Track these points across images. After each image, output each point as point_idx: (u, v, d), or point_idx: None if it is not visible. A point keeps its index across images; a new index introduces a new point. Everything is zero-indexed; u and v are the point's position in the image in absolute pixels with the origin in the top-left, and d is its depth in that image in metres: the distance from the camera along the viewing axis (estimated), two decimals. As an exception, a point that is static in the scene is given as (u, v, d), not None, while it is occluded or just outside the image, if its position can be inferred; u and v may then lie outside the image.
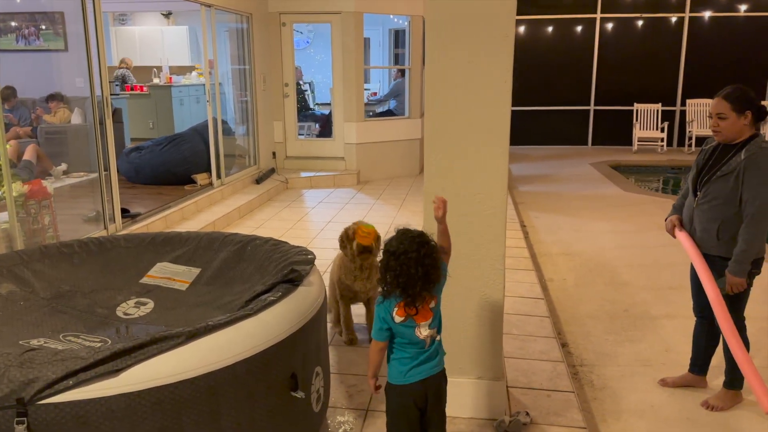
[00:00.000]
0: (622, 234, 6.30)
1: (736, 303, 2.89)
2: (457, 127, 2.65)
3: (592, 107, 12.28)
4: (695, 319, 3.20)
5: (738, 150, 2.77)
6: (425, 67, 2.69)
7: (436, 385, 2.19)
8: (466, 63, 2.59)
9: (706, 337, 3.15)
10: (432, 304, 2.10)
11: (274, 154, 8.98)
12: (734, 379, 3.01)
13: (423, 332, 2.11)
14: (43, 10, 7.31)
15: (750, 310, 2.97)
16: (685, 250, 2.99)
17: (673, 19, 11.71)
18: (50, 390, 1.80)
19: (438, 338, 2.17)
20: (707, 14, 11.58)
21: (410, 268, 1.99)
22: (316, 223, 6.63)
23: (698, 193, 2.91)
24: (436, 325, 2.15)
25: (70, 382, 1.82)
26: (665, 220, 3.18)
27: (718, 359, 3.18)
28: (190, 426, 1.97)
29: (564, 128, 12.43)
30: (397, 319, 2.08)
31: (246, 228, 6.35)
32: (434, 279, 2.05)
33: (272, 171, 8.66)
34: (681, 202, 3.13)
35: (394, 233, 2.10)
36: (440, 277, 2.09)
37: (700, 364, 3.23)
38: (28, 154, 5.84)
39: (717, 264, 2.88)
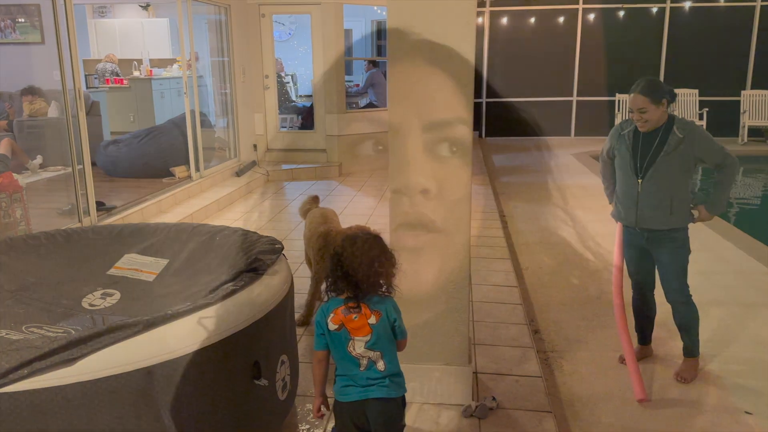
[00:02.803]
0: (600, 223, 6.32)
1: (683, 271, 3.10)
2: (420, 115, 2.66)
3: (574, 98, 12.33)
4: (634, 295, 3.40)
5: (666, 131, 2.96)
6: (388, 56, 2.70)
7: (381, 411, 2.01)
8: (429, 51, 2.60)
9: (645, 309, 3.39)
10: (373, 320, 1.96)
11: (255, 146, 8.94)
12: (691, 347, 3.22)
13: (357, 348, 1.98)
14: (19, 2, 7.21)
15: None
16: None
17: (654, 10, 11.76)
18: (4, 380, 1.79)
19: (382, 367, 2.00)
20: (688, 4, 11.64)
21: (356, 249, 1.94)
22: (295, 215, 6.59)
23: (640, 177, 3.04)
24: (380, 351, 1.99)
25: (25, 372, 1.81)
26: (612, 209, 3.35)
27: (664, 331, 3.55)
28: (149, 415, 1.97)
29: (547, 119, 12.47)
30: (331, 326, 1.98)
31: (224, 221, 6.33)
32: (382, 272, 1.96)
33: (253, 163, 8.63)
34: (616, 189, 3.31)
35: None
36: (390, 278, 1.98)
37: (647, 335, 3.46)
38: (3, 148, 5.77)
39: (666, 238, 3.06)
